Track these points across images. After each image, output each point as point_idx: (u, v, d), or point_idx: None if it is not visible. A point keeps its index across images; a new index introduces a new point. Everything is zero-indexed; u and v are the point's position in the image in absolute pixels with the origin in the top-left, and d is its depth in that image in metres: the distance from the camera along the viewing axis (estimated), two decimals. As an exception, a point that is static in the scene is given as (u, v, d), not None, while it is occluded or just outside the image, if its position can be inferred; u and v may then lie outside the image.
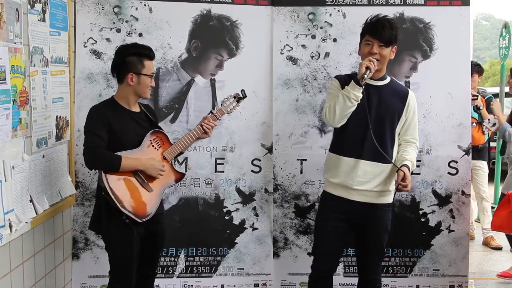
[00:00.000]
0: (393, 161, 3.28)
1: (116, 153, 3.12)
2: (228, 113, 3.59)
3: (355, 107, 3.16)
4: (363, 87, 3.12)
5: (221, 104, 3.55)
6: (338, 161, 3.29)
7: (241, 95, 3.58)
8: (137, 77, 3.21)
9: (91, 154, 3.11)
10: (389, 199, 3.35)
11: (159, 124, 4.02)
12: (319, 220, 3.42)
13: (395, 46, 3.27)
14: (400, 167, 3.19)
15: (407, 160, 3.23)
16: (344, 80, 3.28)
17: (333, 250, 3.36)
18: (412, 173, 4.08)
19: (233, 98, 3.56)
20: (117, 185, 3.11)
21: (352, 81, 3.15)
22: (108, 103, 3.28)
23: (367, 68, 3.09)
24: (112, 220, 3.13)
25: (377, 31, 3.18)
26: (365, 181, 3.24)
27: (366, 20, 3.29)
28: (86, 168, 3.90)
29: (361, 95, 3.13)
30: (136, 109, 3.33)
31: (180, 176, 3.42)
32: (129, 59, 3.21)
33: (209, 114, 3.48)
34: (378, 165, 3.24)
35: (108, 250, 3.26)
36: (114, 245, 3.21)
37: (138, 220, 3.14)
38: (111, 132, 3.15)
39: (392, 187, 3.30)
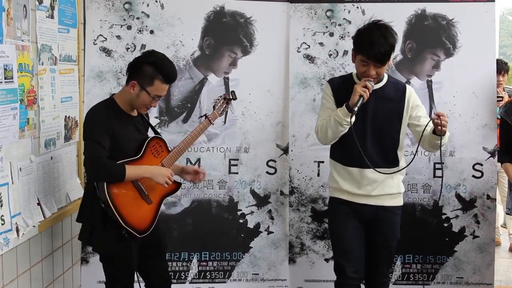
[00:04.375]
0: (400, 163, 3.21)
1: (118, 162, 2.94)
2: (219, 116, 3.47)
3: (347, 129, 3.07)
4: (355, 113, 3.00)
5: (213, 107, 3.45)
6: (343, 171, 3.22)
7: (230, 97, 3.48)
8: (138, 88, 2.98)
9: (94, 166, 2.88)
10: (398, 201, 3.26)
11: (171, 124, 3.97)
12: (335, 225, 3.32)
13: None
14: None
15: None
16: (337, 86, 3.19)
17: (357, 250, 3.23)
18: (435, 176, 4.06)
19: (223, 100, 3.46)
20: (118, 196, 2.91)
21: (345, 107, 3.03)
22: (108, 105, 3.05)
23: (361, 96, 2.99)
24: (110, 232, 2.95)
25: (372, 53, 2.97)
26: (372, 188, 3.18)
27: (357, 33, 3.08)
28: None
29: (353, 120, 3.02)
30: (134, 113, 3.14)
31: (177, 187, 3.25)
32: (145, 67, 2.98)
33: (203, 117, 3.37)
34: (383, 170, 3.14)
35: (106, 263, 3.09)
36: (113, 258, 3.04)
37: (138, 236, 3.00)
38: (112, 138, 2.94)
39: (402, 189, 3.25)
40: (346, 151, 3.16)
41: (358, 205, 3.20)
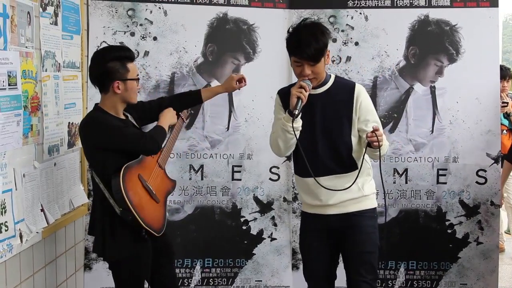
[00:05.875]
0: (360, 165, 2.98)
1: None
2: (189, 114, 3.50)
3: (295, 136, 2.91)
4: (299, 116, 2.86)
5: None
6: (302, 182, 3.07)
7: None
8: (123, 83, 2.96)
9: (148, 140, 2.94)
10: (366, 204, 3.03)
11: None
12: (301, 242, 3.21)
13: (328, 51, 2.93)
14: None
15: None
16: (285, 95, 2.99)
17: (320, 269, 3.09)
18: (438, 182, 4.04)
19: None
20: (134, 198, 2.91)
21: (287, 113, 2.88)
22: (100, 112, 3.02)
23: (299, 98, 2.82)
24: (120, 238, 2.95)
25: (302, 52, 2.85)
26: (329, 197, 2.97)
27: (287, 35, 2.95)
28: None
29: (299, 125, 2.88)
30: (122, 116, 3.11)
31: (174, 184, 3.30)
32: (111, 65, 2.94)
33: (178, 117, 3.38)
34: (338, 176, 2.97)
35: (117, 270, 3.06)
36: (123, 264, 3.01)
37: (156, 234, 3.01)
38: None
39: (368, 191, 3.02)
40: (300, 161, 2.98)
41: (323, 216, 3.02)
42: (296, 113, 2.83)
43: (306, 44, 2.84)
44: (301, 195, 3.13)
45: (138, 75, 3.07)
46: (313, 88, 2.94)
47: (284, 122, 2.89)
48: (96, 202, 3.03)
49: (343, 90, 3.00)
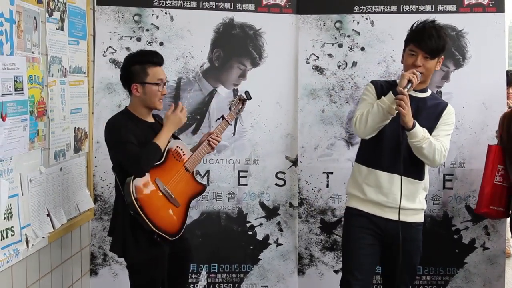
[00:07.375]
0: (425, 179, 3.09)
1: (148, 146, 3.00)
2: (235, 116, 3.50)
3: (389, 120, 2.92)
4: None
5: (229, 108, 3.47)
6: (370, 174, 3.04)
7: (245, 97, 3.48)
8: (141, 87, 3.07)
9: (139, 163, 2.95)
10: (421, 218, 3.14)
11: (181, 136, 3.96)
12: (349, 239, 3.13)
13: (442, 57, 3.02)
14: None
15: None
16: (381, 87, 3.06)
17: (368, 268, 3.08)
18: (444, 187, 4.03)
19: (239, 101, 3.47)
20: (146, 202, 2.95)
21: (391, 92, 2.89)
22: (126, 114, 3.13)
23: (409, 81, 2.85)
24: (140, 240, 3.00)
25: (422, 41, 2.92)
26: (400, 198, 2.95)
27: (412, 26, 3.03)
28: (104, 181, 3.89)
29: (394, 113, 2.89)
30: (151, 119, 3.20)
31: (203, 188, 3.30)
32: (133, 69, 3.08)
33: (220, 119, 3.39)
34: (412, 181, 3.02)
35: (132, 270, 3.11)
36: (141, 266, 3.06)
37: (170, 238, 3.03)
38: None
39: (425, 205, 3.12)
40: (379, 153, 3.01)
41: (382, 219, 3.03)
42: (405, 90, 2.83)
43: (428, 35, 2.93)
44: (360, 189, 3.07)
45: (162, 80, 3.11)
46: (415, 90, 2.98)
47: (385, 101, 2.90)
48: (118, 202, 3.08)
49: (438, 105, 3.08)
